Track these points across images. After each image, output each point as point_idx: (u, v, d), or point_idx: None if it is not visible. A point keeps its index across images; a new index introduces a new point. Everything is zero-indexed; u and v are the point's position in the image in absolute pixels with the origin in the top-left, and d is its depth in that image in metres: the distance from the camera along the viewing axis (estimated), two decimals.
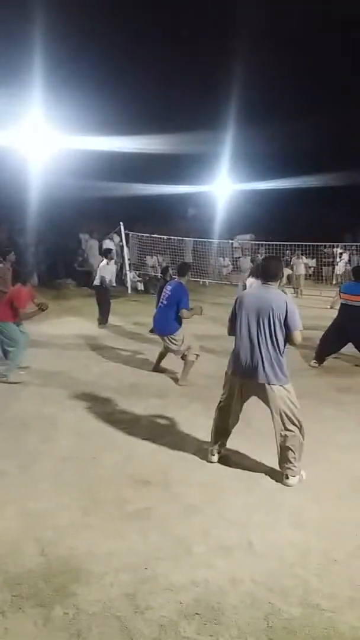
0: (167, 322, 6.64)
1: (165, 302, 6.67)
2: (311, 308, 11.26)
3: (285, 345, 3.99)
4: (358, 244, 19.41)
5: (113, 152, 16.64)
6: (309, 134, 18.49)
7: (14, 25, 13.99)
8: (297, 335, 3.94)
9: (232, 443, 4.40)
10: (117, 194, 18.24)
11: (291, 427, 3.95)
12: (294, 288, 16.12)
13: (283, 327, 3.91)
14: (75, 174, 16.47)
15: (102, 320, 10.48)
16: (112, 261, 11.18)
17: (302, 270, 17.13)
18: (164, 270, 10.45)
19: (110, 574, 2.89)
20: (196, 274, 17.50)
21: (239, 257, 19.73)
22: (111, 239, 17.00)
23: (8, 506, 3.57)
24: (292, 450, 3.97)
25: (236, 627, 2.54)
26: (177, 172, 19.93)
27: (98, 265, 11.11)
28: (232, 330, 4.23)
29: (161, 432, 4.98)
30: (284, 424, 3.95)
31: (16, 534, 3.24)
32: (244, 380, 4.06)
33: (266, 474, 4.12)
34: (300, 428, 3.99)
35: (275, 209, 22.49)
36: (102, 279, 10.46)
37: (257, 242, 18.56)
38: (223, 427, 4.29)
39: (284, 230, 20.26)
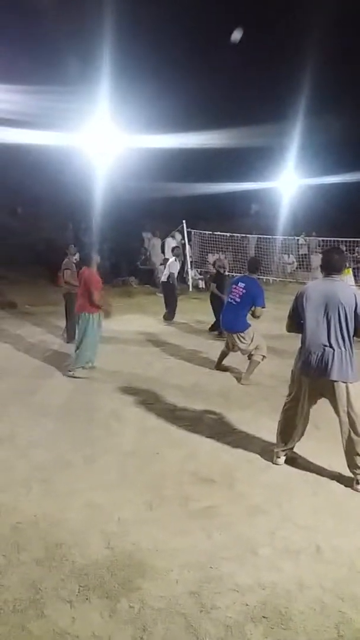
0: (238, 320, 6.49)
1: (238, 300, 6.47)
2: None
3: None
4: None
5: (176, 152, 16.66)
6: None
7: (83, 24, 14.27)
8: None
9: (298, 445, 4.28)
10: (180, 193, 18.26)
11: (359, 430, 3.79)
12: None
13: (352, 321, 3.76)
14: (139, 173, 16.65)
15: (168, 316, 10.53)
16: (178, 258, 11.26)
17: None
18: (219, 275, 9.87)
19: (175, 570, 2.88)
20: (259, 271, 17.16)
21: (304, 254, 19.21)
22: (173, 237, 17.07)
23: (75, 497, 3.65)
24: None
25: (305, 633, 2.45)
26: (240, 169, 19.68)
27: (161, 264, 11.15)
28: (292, 326, 4.10)
29: (224, 431, 4.93)
30: (351, 427, 3.79)
31: (82, 525, 3.31)
32: (313, 379, 3.92)
33: (334, 479, 3.98)
34: None
35: (343, 203, 21.70)
36: (171, 275, 10.54)
37: (324, 239, 17.94)
38: (290, 429, 4.15)
39: (352, 225, 19.43)
